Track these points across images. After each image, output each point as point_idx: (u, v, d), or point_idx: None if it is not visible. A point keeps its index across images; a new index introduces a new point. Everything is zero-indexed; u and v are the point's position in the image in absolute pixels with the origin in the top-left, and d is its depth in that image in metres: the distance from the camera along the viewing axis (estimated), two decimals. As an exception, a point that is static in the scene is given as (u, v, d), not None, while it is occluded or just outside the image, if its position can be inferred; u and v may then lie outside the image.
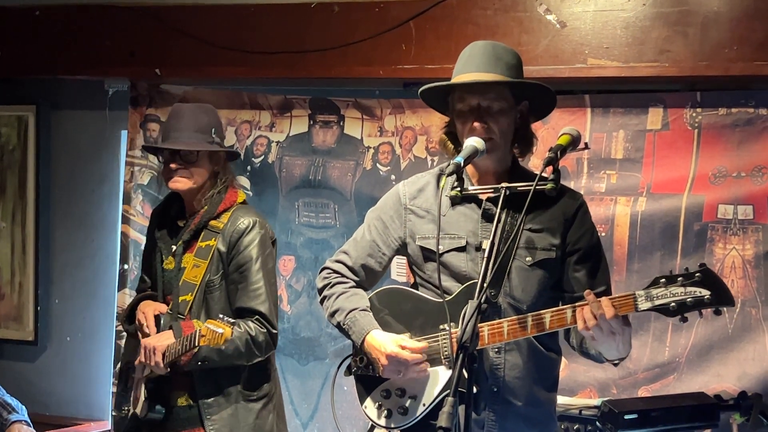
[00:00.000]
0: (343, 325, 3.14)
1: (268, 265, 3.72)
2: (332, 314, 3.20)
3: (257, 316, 3.62)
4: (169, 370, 3.57)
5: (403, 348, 2.98)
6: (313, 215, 5.06)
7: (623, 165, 4.47)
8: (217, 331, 3.37)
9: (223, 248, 3.68)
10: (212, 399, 3.66)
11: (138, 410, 3.72)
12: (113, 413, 3.92)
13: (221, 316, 3.45)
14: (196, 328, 3.53)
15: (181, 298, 3.68)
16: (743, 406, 3.81)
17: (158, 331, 3.66)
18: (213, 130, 3.75)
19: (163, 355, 3.54)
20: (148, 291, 3.88)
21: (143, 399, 3.70)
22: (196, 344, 3.44)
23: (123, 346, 4.02)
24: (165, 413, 3.70)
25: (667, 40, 4.31)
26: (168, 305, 3.73)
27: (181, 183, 3.67)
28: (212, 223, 3.71)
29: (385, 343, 3.00)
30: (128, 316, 3.85)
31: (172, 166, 3.66)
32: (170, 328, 3.60)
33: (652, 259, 4.40)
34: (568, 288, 3.07)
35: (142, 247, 4.11)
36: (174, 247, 3.75)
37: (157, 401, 3.69)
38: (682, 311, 2.74)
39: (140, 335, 3.72)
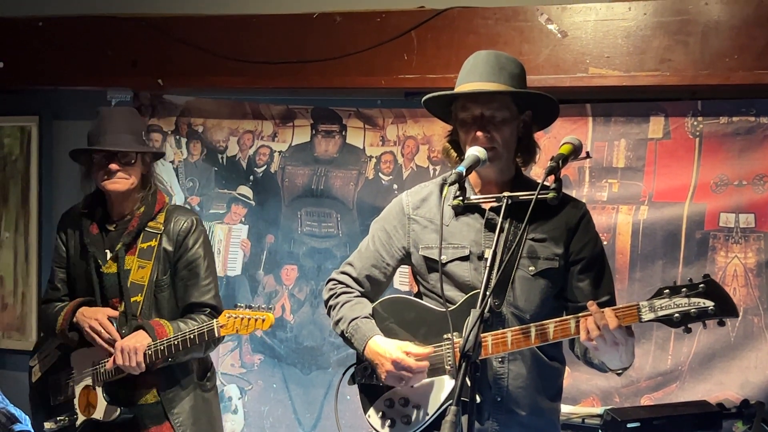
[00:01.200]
0: (346, 333, 3.15)
1: (213, 260, 3.88)
2: (336, 323, 3.21)
3: (209, 310, 3.73)
4: (144, 369, 3.61)
5: (408, 354, 2.99)
6: (316, 224, 5.07)
7: (625, 174, 4.48)
8: (256, 318, 3.47)
9: (169, 248, 3.77)
10: (172, 393, 3.75)
11: (97, 415, 3.74)
12: (47, 426, 3.89)
13: (242, 305, 3.55)
14: (169, 327, 3.61)
15: (132, 300, 3.73)
16: (746, 415, 3.82)
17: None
18: (143, 132, 3.88)
19: (145, 354, 3.58)
20: (66, 300, 3.89)
21: (105, 402, 3.72)
22: (215, 336, 3.53)
23: (35, 358, 4.01)
24: (134, 412, 3.75)
25: (668, 49, 4.32)
26: (115, 309, 3.76)
27: (121, 184, 3.71)
28: (150, 224, 3.78)
29: (390, 350, 3.01)
30: (70, 323, 3.82)
31: (113, 167, 3.68)
32: (137, 328, 3.64)
33: (654, 267, 4.40)
34: (572, 297, 3.07)
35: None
36: (109, 252, 3.77)
37: (120, 402, 3.74)
38: (686, 322, 2.74)
39: (97, 341, 3.71)
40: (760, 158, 4.29)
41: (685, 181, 4.38)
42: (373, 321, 3.15)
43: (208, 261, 3.82)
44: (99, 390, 3.75)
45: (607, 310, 2.78)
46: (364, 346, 3.08)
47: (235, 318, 3.47)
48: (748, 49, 4.21)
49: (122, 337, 3.66)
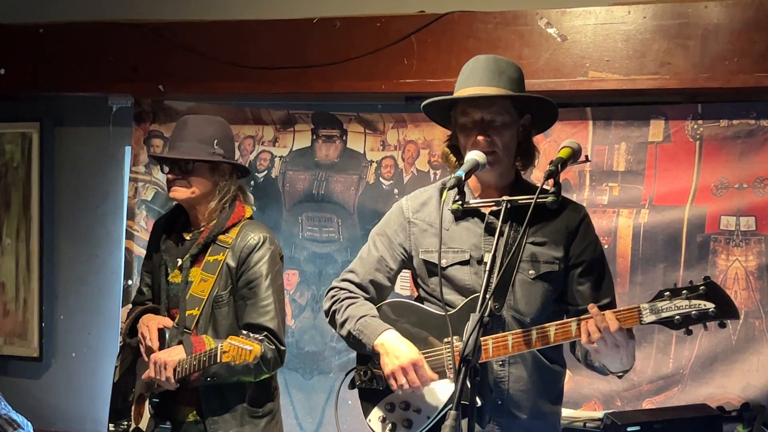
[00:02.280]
0: (354, 331, 3.12)
1: (278, 281, 3.70)
2: (342, 324, 3.18)
3: (266, 333, 3.58)
4: (178, 385, 3.55)
5: (417, 369, 2.97)
6: (317, 229, 5.07)
7: (625, 177, 4.48)
8: (245, 348, 3.36)
9: (232, 263, 3.65)
10: (218, 416, 3.63)
11: (143, 426, 3.72)
12: (110, 428, 3.89)
13: (244, 332, 3.44)
14: (211, 345, 3.51)
15: (188, 313, 3.66)
16: (746, 418, 3.83)
17: (162, 346, 3.63)
18: (216, 141, 3.69)
19: (175, 370, 3.52)
20: (149, 304, 3.86)
21: (149, 415, 3.70)
22: (218, 361, 3.40)
23: (118, 358, 4.00)
24: (173, 429, 3.70)
25: (668, 52, 4.32)
26: (173, 319, 3.71)
27: (179, 192, 3.65)
28: (221, 237, 3.69)
29: (410, 351, 2.99)
30: (130, 329, 3.81)
31: (170, 176, 3.65)
32: (179, 342, 3.58)
33: (655, 271, 4.40)
34: (573, 301, 3.08)
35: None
36: (180, 261, 3.71)
37: (162, 416, 3.69)
38: (686, 324, 2.75)
39: (142, 349, 3.70)
40: (760, 161, 4.29)
41: (685, 185, 4.38)
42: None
43: (270, 281, 3.64)
44: (146, 400, 3.72)
45: (608, 313, 2.79)
46: (376, 338, 3.05)
47: (234, 346, 3.37)
48: (748, 52, 4.22)
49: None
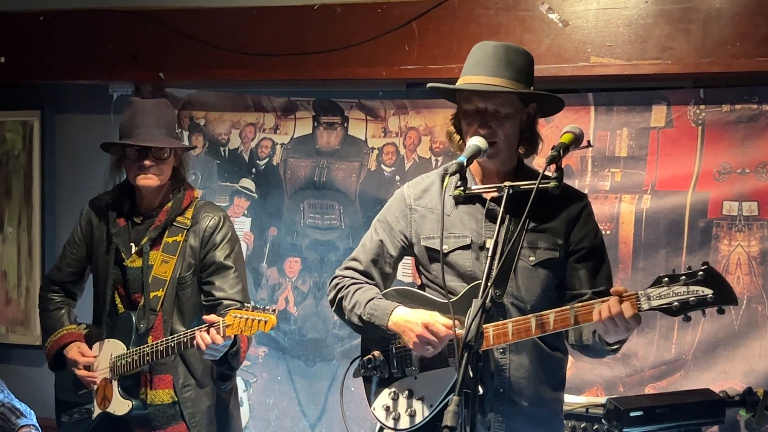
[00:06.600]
0: (364, 315, 3.11)
1: (241, 257, 3.86)
2: (351, 310, 3.17)
3: (238, 306, 3.60)
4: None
5: (431, 329, 2.96)
6: (318, 216, 5.06)
7: (627, 163, 4.47)
8: (258, 319, 3.37)
9: (195, 244, 3.74)
10: (189, 392, 3.72)
11: (113, 410, 3.73)
12: (63, 418, 3.92)
13: (247, 305, 3.44)
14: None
15: (152, 295, 3.70)
16: (749, 402, 3.82)
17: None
18: (175, 125, 3.85)
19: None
20: (75, 326, 3.90)
21: (120, 396, 3.71)
22: (222, 335, 3.42)
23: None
24: (149, 413, 3.72)
25: (670, 37, 4.30)
26: (136, 304, 3.73)
27: (152, 180, 3.68)
28: (178, 218, 3.76)
29: (419, 315, 2.99)
30: (54, 359, 3.89)
31: (147, 162, 3.65)
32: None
33: (657, 256, 4.39)
34: (570, 285, 3.08)
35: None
36: (134, 246, 3.75)
37: (133, 397, 3.72)
38: (684, 311, 2.73)
39: (89, 381, 3.80)
40: (763, 146, 4.27)
41: (687, 170, 4.37)
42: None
43: (234, 257, 3.78)
44: (115, 383, 3.74)
45: (626, 303, 2.77)
46: (388, 318, 3.05)
47: (240, 318, 3.39)
48: (750, 36, 4.20)
49: (140, 331, 3.68)
